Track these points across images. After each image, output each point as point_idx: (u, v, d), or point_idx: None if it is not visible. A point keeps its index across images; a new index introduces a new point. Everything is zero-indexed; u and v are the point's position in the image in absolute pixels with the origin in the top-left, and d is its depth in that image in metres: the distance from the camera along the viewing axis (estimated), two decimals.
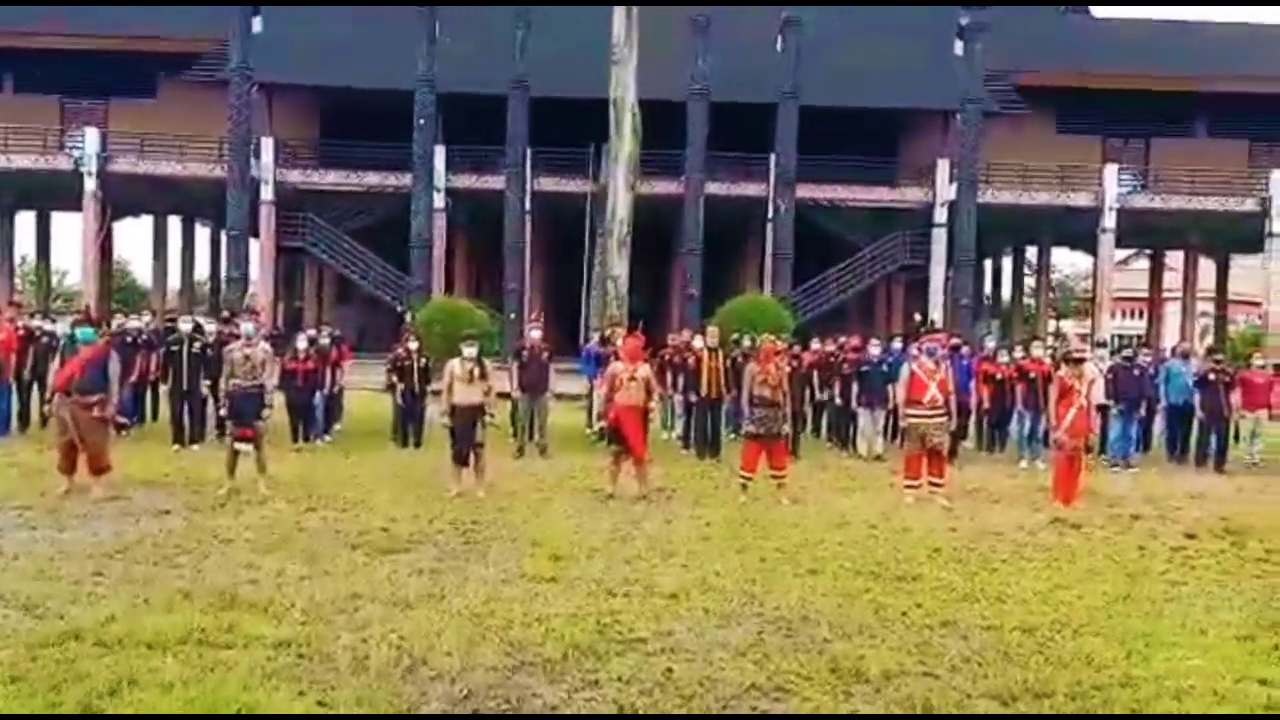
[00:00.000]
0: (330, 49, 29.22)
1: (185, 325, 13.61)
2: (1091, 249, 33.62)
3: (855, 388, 14.11)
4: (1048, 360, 13.85)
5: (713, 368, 13.40)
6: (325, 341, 14.53)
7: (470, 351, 10.14)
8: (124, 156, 30.48)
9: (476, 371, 10.05)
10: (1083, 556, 7.88)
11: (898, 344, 14.92)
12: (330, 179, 31.17)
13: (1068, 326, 49.42)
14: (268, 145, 30.29)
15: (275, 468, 10.14)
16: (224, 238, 31.17)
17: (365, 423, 15.10)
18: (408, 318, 22.51)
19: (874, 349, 14.43)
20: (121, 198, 31.90)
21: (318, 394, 13.88)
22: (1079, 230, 32.95)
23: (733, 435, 13.55)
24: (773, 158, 29.17)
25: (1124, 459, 13.61)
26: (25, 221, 37.85)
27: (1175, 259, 39.63)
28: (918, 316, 20.08)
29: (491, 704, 4.58)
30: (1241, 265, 38.99)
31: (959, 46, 28.98)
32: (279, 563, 6.86)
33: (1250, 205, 31.44)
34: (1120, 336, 34.05)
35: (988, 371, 14.16)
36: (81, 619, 5.45)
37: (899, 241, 31.17)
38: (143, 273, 49.35)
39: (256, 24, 28.24)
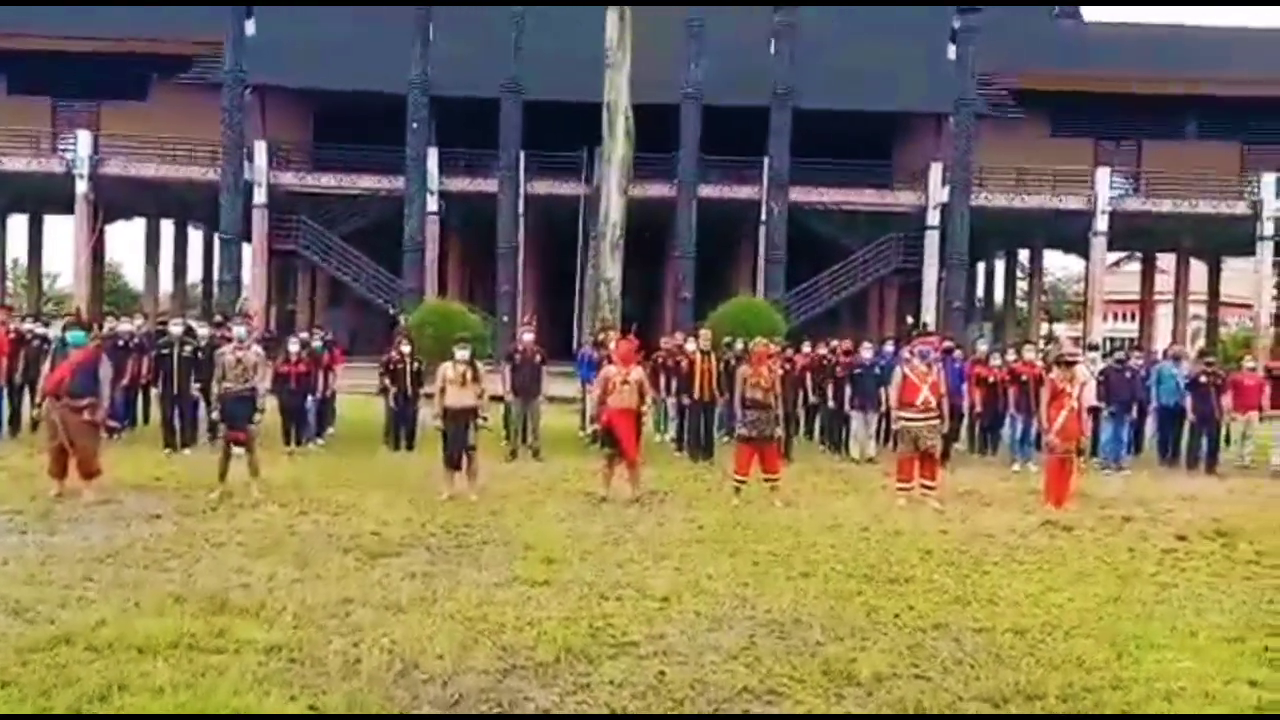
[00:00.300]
0: (323, 52, 29.16)
1: (176, 329, 13.59)
2: (1084, 252, 33.68)
3: (848, 391, 14.13)
4: (1040, 363, 13.88)
5: (705, 370, 13.42)
6: (318, 345, 14.51)
7: (463, 354, 10.15)
8: (116, 159, 30.38)
9: (469, 374, 10.05)
10: (1074, 559, 7.90)
11: (890, 347, 14.95)
12: (323, 182, 31.12)
13: (1060, 329, 49.62)
14: (261, 148, 30.24)
15: (267, 471, 10.12)
16: (216, 241, 31.09)
17: (357, 426, 15.08)
18: (400, 321, 22.48)
19: (866, 352, 14.45)
20: (114, 200, 31.82)
21: (310, 397, 13.86)
22: (1071, 233, 33.03)
23: (725, 438, 13.56)
24: (766, 161, 29.16)
25: (1115, 461, 13.66)
26: (17, 224, 37.78)
27: (1167, 262, 39.74)
28: (910, 319, 20.07)
29: (483, 707, 4.58)
30: (1233, 268, 39.09)
31: (952, 50, 29.01)
32: (270, 567, 6.84)
33: (1242, 208, 31.54)
34: (1112, 339, 34.22)
35: (980, 374, 14.19)
36: (72, 623, 5.43)
37: (892, 245, 31.19)
38: (135, 276, 49.26)
39: (250, 27, 28.16)
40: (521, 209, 29.28)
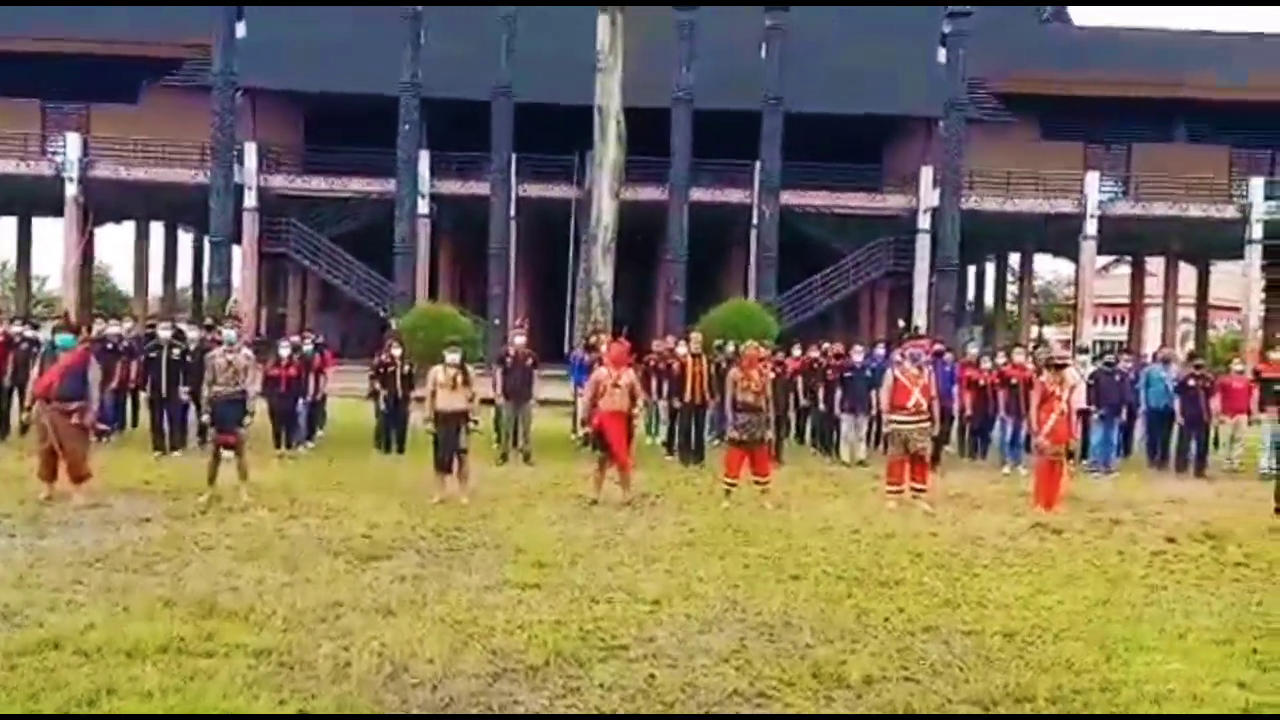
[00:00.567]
0: (314, 54, 29.12)
1: (165, 332, 13.54)
2: (1073, 255, 33.83)
3: (839, 393, 14.15)
4: (1029, 366, 13.92)
5: (696, 373, 13.43)
6: (308, 348, 14.48)
7: (453, 358, 10.14)
8: (106, 162, 30.32)
9: (460, 378, 10.04)
10: (1063, 561, 7.92)
11: (881, 350, 14.98)
12: (314, 185, 31.08)
13: (1050, 333, 49.69)
14: (251, 151, 30.19)
15: (257, 474, 10.10)
16: (206, 244, 31.03)
17: (348, 429, 15.05)
18: (391, 324, 22.45)
19: (857, 355, 14.48)
20: (103, 203, 31.73)
21: (300, 400, 13.82)
22: (1061, 237, 33.17)
23: (716, 441, 13.57)
24: (757, 164, 29.23)
25: (1105, 464, 13.70)
26: (6, 227, 37.67)
27: (1156, 265, 39.88)
28: (901, 323, 20.11)
29: (474, 711, 4.57)
30: (1222, 271, 39.28)
31: (942, 54, 29.11)
32: (260, 570, 6.83)
33: (1231, 212, 31.71)
34: (1102, 342, 34.29)
35: (970, 377, 14.23)
36: (61, 627, 5.41)
37: (883, 248, 31.29)
38: (124, 279, 49.08)
39: (240, 29, 28.09)
40: (513, 212, 29.26)
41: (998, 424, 14.21)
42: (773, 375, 11.64)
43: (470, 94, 28.18)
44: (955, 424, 14.50)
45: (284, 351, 13.80)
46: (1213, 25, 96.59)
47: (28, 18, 29.88)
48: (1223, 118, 32.32)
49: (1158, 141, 33.40)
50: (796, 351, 15.46)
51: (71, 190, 29.80)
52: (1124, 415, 14.29)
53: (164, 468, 11.52)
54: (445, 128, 29.37)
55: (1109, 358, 15.03)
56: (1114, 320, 53.71)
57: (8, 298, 38.14)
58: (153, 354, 13.11)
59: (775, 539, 8.39)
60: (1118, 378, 14.12)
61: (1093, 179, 31.33)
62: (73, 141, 29.93)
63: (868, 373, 13.82)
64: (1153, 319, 41.24)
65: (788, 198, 29.60)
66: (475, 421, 10.24)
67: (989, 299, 43.74)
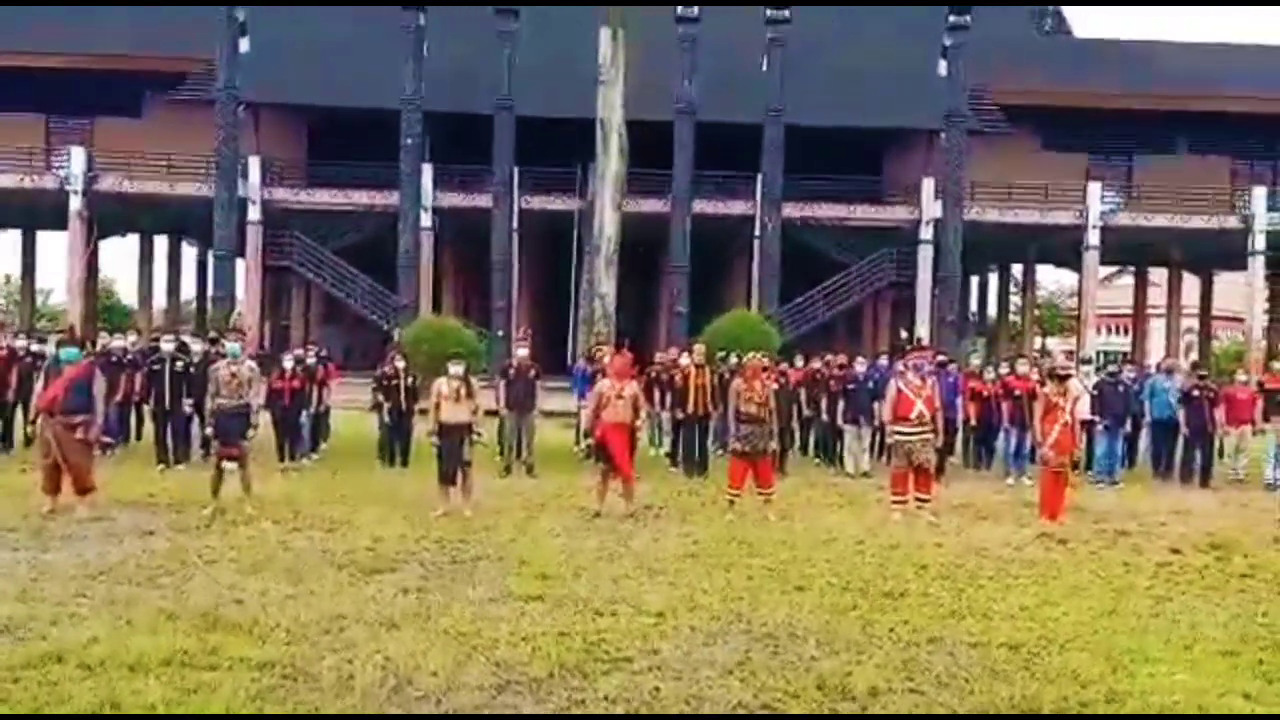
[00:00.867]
0: (317, 68, 29.24)
1: (169, 345, 13.55)
2: (1076, 266, 33.81)
3: (842, 405, 14.15)
4: (1033, 377, 13.91)
5: (699, 385, 13.43)
6: (312, 360, 14.48)
7: (457, 370, 10.15)
8: (110, 176, 30.37)
9: (463, 390, 10.05)
10: (1069, 572, 7.90)
11: (884, 361, 14.97)
12: (317, 198, 31.12)
13: (1053, 343, 49.68)
14: (254, 165, 30.24)
15: (261, 487, 10.10)
16: (210, 257, 31.07)
17: (352, 442, 15.04)
18: (395, 336, 22.47)
19: (860, 366, 14.47)
20: (107, 217, 31.79)
21: (304, 413, 13.82)
22: (1063, 247, 33.15)
23: (720, 452, 13.56)
24: (759, 177, 29.27)
25: (1109, 475, 13.66)
26: (10, 240, 37.76)
27: (1159, 275, 39.90)
28: (904, 333, 20.13)
29: None
30: (1225, 281, 39.27)
31: (943, 66, 29.18)
32: (264, 583, 6.82)
33: (1233, 222, 31.71)
34: (1105, 353, 34.24)
35: (974, 388, 14.21)
36: (64, 640, 5.41)
37: (885, 259, 31.27)
38: (128, 292, 49.15)
39: (244, 43, 28.22)
40: (516, 224, 29.31)
41: (1001, 435, 14.18)
42: (775, 386, 11.63)
43: (473, 107, 28.26)
44: (959, 435, 14.48)
45: (287, 364, 13.80)
46: (1214, 36, 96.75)
47: (32, 32, 29.97)
48: (1224, 128, 32.36)
49: (1159, 153, 33.44)
50: (799, 362, 15.46)
51: (76, 204, 29.85)
52: (1128, 426, 14.26)
53: (168, 481, 11.52)
54: (448, 141, 29.44)
55: (1112, 368, 15.01)
56: (1117, 330, 53.72)
57: (12, 311, 38.20)
58: (156, 367, 13.11)
59: (779, 550, 8.38)
60: (1121, 388, 14.11)
61: (1094, 189, 31.34)
62: (77, 155, 30.01)
63: (870, 384, 13.81)
64: (1156, 329, 41.25)
65: (790, 209, 29.64)
66: (479, 434, 10.25)
67: (992, 310, 43.73)
